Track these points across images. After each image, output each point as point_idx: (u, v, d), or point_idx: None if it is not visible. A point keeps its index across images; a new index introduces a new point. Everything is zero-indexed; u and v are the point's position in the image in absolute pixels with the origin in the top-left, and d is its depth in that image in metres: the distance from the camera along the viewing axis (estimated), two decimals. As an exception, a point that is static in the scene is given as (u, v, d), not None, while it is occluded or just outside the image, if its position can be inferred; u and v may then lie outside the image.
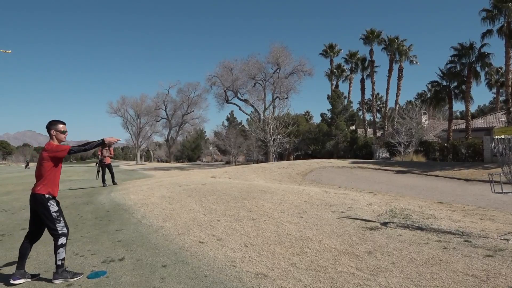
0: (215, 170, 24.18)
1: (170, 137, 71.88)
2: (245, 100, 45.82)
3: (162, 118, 71.99)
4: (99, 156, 15.84)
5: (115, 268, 4.81)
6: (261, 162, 44.64)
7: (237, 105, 47.36)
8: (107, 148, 15.63)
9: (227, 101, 47.31)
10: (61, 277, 4.44)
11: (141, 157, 76.72)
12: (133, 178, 20.74)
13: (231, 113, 79.39)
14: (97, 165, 16.44)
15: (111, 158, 16.19)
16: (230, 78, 45.39)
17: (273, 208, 8.36)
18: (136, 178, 20.74)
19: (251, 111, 46.29)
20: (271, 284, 4.09)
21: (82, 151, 4.56)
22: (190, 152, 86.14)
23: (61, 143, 4.62)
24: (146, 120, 71.93)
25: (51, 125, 4.57)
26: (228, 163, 60.21)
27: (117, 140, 4.73)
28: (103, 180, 15.54)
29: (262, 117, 43.19)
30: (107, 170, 15.70)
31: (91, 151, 15.19)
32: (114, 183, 15.70)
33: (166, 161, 75.66)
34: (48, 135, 4.58)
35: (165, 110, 70.89)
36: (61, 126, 4.61)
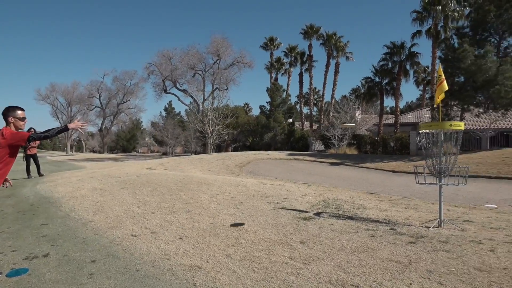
0: (151, 161, 23.58)
1: (104, 126, 68.92)
2: (184, 91, 45.06)
3: (96, 107, 68.86)
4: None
5: (38, 265, 4.51)
6: (199, 153, 44.24)
7: (175, 95, 46.53)
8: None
9: (165, 91, 46.26)
10: None
11: (71, 148, 72.90)
12: (62, 169, 19.63)
13: (169, 103, 77.96)
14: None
15: (37, 148, 15.17)
16: (169, 67, 44.39)
17: (209, 199, 8.30)
18: (65, 169, 19.65)
19: (190, 102, 45.67)
20: (205, 276, 4.05)
21: (43, 138, 4.19)
22: (125, 143, 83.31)
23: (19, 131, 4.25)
24: (78, 109, 68.33)
25: (9, 112, 4.21)
26: (165, 154, 59.04)
27: (84, 124, 4.35)
28: (28, 171, 14.54)
29: (201, 108, 42.74)
30: (32, 161, 14.71)
31: None
32: (40, 174, 14.76)
33: (99, 152, 72.56)
34: (4, 122, 4.19)
35: (99, 99, 67.85)
36: (19, 112, 4.27)
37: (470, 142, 25.96)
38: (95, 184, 10.88)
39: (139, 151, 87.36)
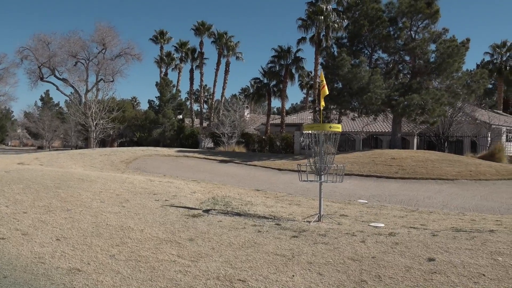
0: (24, 155, 21.30)
1: (-36, 115, 60.20)
2: (64, 80, 41.51)
3: (-46, 92, 59.74)
4: None
5: None
6: (81, 148, 41.25)
7: (54, 84, 42.59)
8: None
9: (41, 78, 42.09)
10: None
11: None
12: None
13: (47, 92, 70.99)
14: None
15: None
16: (47, 53, 40.46)
17: (91, 197, 7.79)
18: None
19: (71, 92, 42.26)
20: (86, 279, 3.80)
21: None
22: (-9, 134, 73.89)
23: None
24: None
25: None
26: (40, 148, 53.76)
27: None
28: None
29: (83, 99, 39.87)
30: None
31: None
32: None
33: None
34: None
35: (-41, 83, 58.97)
36: None
37: (346, 143, 28.43)
38: (-48, 180, 9.45)
39: (9, 144, 78.15)
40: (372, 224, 6.09)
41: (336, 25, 34.49)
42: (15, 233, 5.35)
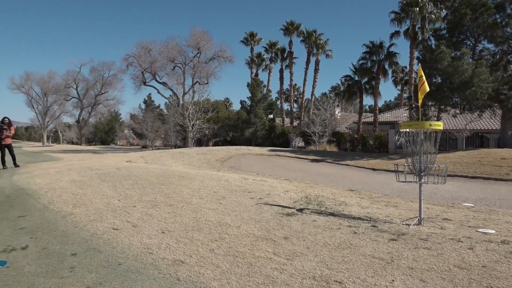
0: (131, 154, 23.27)
1: (81, 118, 67.47)
2: (163, 83, 44.45)
3: (73, 97, 67.15)
4: None
5: (17, 258, 4.41)
6: (179, 147, 43.89)
7: (155, 88, 45.82)
8: (6, 127, 14.21)
9: (144, 83, 45.52)
10: None
11: (48, 139, 71.19)
12: (38, 160, 19.17)
13: (149, 96, 76.96)
14: None
15: (11, 138, 14.74)
16: (148, 59, 43.63)
17: (191, 194, 8.25)
18: (42, 160, 19.20)
19: (170, 95, 45.09)
20: (189, 270, 4.03)
21: None
22: (103, 135, 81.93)
23: None
24: (54, 99, 66.59)
25: None
26: (144, 147, 58.37)
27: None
28: (3, 162, 14.14)
29: (181, 101, 42.29)
30: (7, 151, 14.31)
31: None
32: (16, 165, 14.39)
33: (77, 144, 71.16)
34: None
35: (76, 89, 66.21)
36: None
37: (446, 142, 26.51)
38: (74, 176, 10.67)
39: (118, 143, 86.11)
40: (481, 230, 5.60)
41: (433, 16, 32.32)
42: (127, 225, 5.88)
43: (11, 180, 10.48)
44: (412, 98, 31.76)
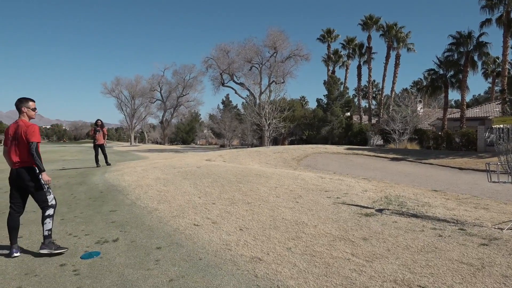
0: (210, 153, 24.11)
1: (164, 119, 71.42)
2: (241, 84, 45.48)
3: (157, 99, 71.45)
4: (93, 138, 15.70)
5: (108, 249, 4.77)
6: (256, 146, 44.60)
7: (233, 88, 47.06)
8: (99, 129, 15.49)
9: (223, 84, 46.94)
10: (47, 248, 4.53)
11: (135, 139, 76.36)
12: (126, 159, 20.63)
13: (227, 96, 79.12)
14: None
15: (105, 138, 16.03)
16: (227, 61, 44.92)
17: (268, 192, 8.34)
18: (129, 159, 20.63)
19: (247, 95, 46.03)
20: (266, 268, 4.08)
21: (31, 155, 4.52)
22: (184, 135, 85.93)
23: (30, 120, 4.72)
24: (140, 102, 71.41)
25: (21, 103, 4.66)
26: (222, 146, 60.14)
27: (49, 181, 4.69)
28: (97, 160, 15.43)
29: (257, 101, 42.94)
30: (100, 151, 15.58)
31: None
32: (107, 163, 15.61)
33: (161, 143, 75.39)
34: (17, 111, 4.69)
35: (160, 92, 70.30)
36: (31, 103, 4.73)
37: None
38: (158, 174, 11.31)
39: (198, 143, 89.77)
40: None
41: (531, 0, 29.28)
42: (206, 221, 6.10)
43: (103, 177, 11.38)
44: (506, 91, 29.17)
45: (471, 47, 32.56)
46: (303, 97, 77.16)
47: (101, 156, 15.62)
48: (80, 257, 4.50)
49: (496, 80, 44.82)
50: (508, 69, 29.51)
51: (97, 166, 15.07)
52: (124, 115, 71.58)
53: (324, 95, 45.29)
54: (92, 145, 15.84)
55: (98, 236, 5.36)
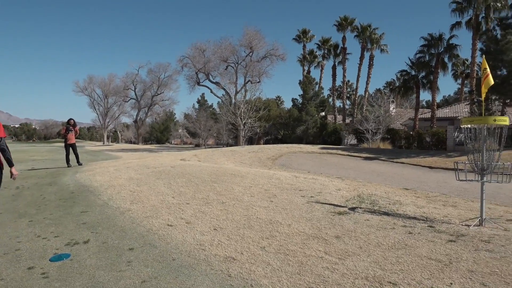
0: (185, 152, 23.92)
1: (138, 118, 70.36)
2: (216, 83, 45.32)
3: (131, 98, 70.25)
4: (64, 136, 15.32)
5: (79, 251, 4.67)
6: (231, 145, 44.50)
7: (208, 87, 46.87)
8: (71, 128, 15.14)
9: (198, 83, 46.68)
10: None
11: (108, 138, 74.94)
12: (99, 159, 20.22)
13: (202, 95, 78.58)
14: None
15: (76, 138, 15.67)
16: (202, 60, 44.68)
17: (243, 191, 8.34)
18: (102, 159, 20.24)
19: (223, 94, 45.88)
20: (240, 267, 4.08)
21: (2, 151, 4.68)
22: (159, 134, 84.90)
23: None
24: (114, 100, 69.99)
25: None
26: (197, 146, 59.78)
27: (15, 176, 5.23)
28: (68, 160, 15.06)
29: (233, 100, 42.87)
30: (71, 150, 15.22)
31: None
32: (79, 163, 15.26)
33: (134, 143, 74.27)
34: None
35: (134, 91, 69.17)
36: None
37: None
38: (131, 174, 11.15)
39: (172, 142, 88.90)
40: (550, 232, 5.20)
41: (498, 4, 30.25)
42: (180, 221, 6.05)
43: (74, 178, 11.13)
44: (474, 92, 30.06)
45: (442, 49, 33.46)
46: (278, 96, 77.53)
47: (72, 156, 15.26)
48: (49, 260, 4.38)
49: (465, 82, 46.18)
50: (477, 71, 30.37)
51: (68, 166, 14.72)
52: (97, 114, 70.05)
53: (299, 95, 45.67)
54: (63, 144, 15.46)
55: (68, 237, 5.24)
